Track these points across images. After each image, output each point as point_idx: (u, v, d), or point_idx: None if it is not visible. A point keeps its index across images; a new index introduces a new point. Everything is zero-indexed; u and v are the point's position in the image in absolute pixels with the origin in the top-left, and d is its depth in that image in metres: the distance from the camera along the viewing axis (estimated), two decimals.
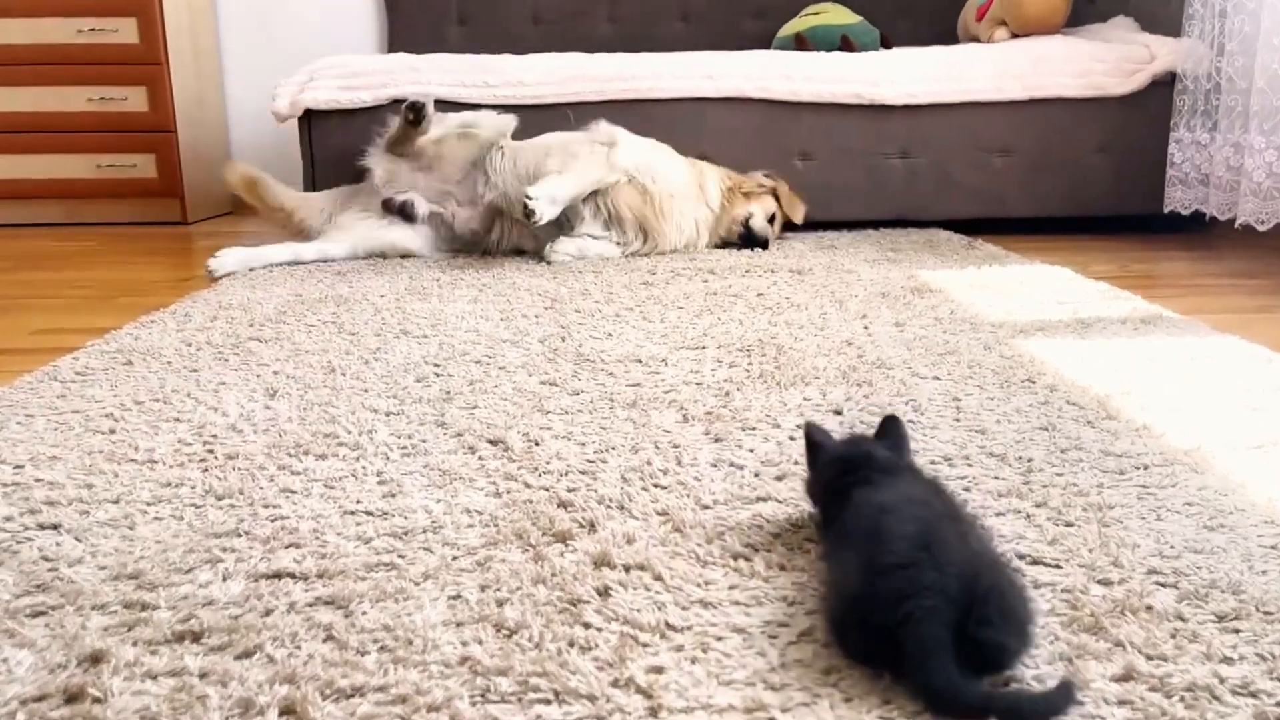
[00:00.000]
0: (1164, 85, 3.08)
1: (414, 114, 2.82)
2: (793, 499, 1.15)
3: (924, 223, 3.29)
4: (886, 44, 3.85)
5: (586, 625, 0.88)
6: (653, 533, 1.06)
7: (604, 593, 0.93)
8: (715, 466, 1.25)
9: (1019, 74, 3.15)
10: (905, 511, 0.85)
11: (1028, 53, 3.20)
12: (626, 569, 0.98)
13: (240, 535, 1.08)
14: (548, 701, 0.77)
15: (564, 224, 2.79)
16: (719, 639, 0.86)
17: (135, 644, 0.86)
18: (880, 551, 0.81)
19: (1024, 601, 0.80)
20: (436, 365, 1.74)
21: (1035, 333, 1.89)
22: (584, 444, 1.34)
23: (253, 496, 1.18)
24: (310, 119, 3.22)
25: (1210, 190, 2.82)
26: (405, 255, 2.86)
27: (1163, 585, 0.93)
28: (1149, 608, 0.89)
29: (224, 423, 1.45)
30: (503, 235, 2.88)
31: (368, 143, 3.16)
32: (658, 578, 0.96)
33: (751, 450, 1.31)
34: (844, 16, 3.91)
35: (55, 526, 1.11)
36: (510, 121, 2.94)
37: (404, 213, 2.88)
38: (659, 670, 0.81)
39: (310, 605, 0.93)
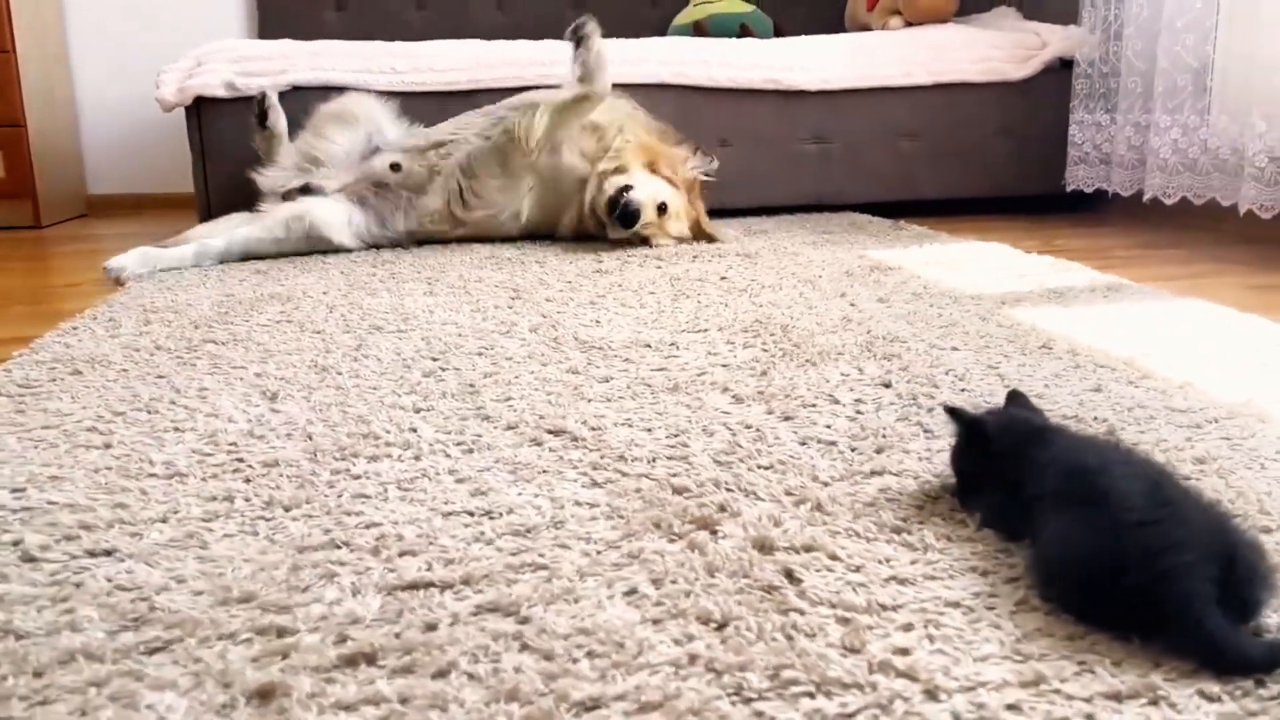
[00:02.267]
0: (1063, 69, 3.23)
1: (259, 109, 2.73)
2: (908, 471, 1.12)
3: (838, 206, 3.35)
4: (780, 32, 3.90)
5: (800, 612, 0.81)
6: (793, 513, 1.01)
7: (791, 577, 0.87)
8: (804, 445, 1.21)
9: (924, 60, 3.24)
10: (1119, 470, 0.83)
11: (930, 40, 3.30)
12: (796, 551, 0.92)
13: (339, 547, 0.96)
14: (811, 694, 0.71)
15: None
16: (940, 614, 0.81)
17: (302, 672, 0.74)
18: (1115, 510, 0.78)
19: (1263, 553, 0.79)
20: (435, 359, 1.62)
21: (1017, 303, 1.94)
22: (650, 429, 1.27)
23: (327, 504, 1.05)
24: (200, 108, 2.97)
25: (1112, 168, 2.98)
26: (329, 243, 2.66)
27: None
28: None
29: (236, 429, 1.30)
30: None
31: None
32: (834, 557, 0.91)
33: (829, 426, 1.27)
34: (737, 5, 3.94)
35: (109, 553, 0.95)
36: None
37: (307, 192, 2.69)
38: (905, 651, 0.76)
39: (475, 615, 0.83)
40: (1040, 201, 3.42)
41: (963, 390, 1.40)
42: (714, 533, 0.97)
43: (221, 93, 2.91)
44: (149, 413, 1.37)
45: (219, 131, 2.97)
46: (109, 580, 0.90)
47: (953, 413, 1.01)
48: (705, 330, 1.78)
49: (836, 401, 1.37)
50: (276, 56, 2.96)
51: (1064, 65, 3.24)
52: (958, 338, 1.68)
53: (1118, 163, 2.95)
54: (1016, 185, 3.34)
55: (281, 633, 0.80)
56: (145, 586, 0.88)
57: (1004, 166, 3.32)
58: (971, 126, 3.29)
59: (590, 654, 0.76)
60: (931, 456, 1.16)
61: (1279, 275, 2.31)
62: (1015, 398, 1.06)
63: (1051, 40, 3.25)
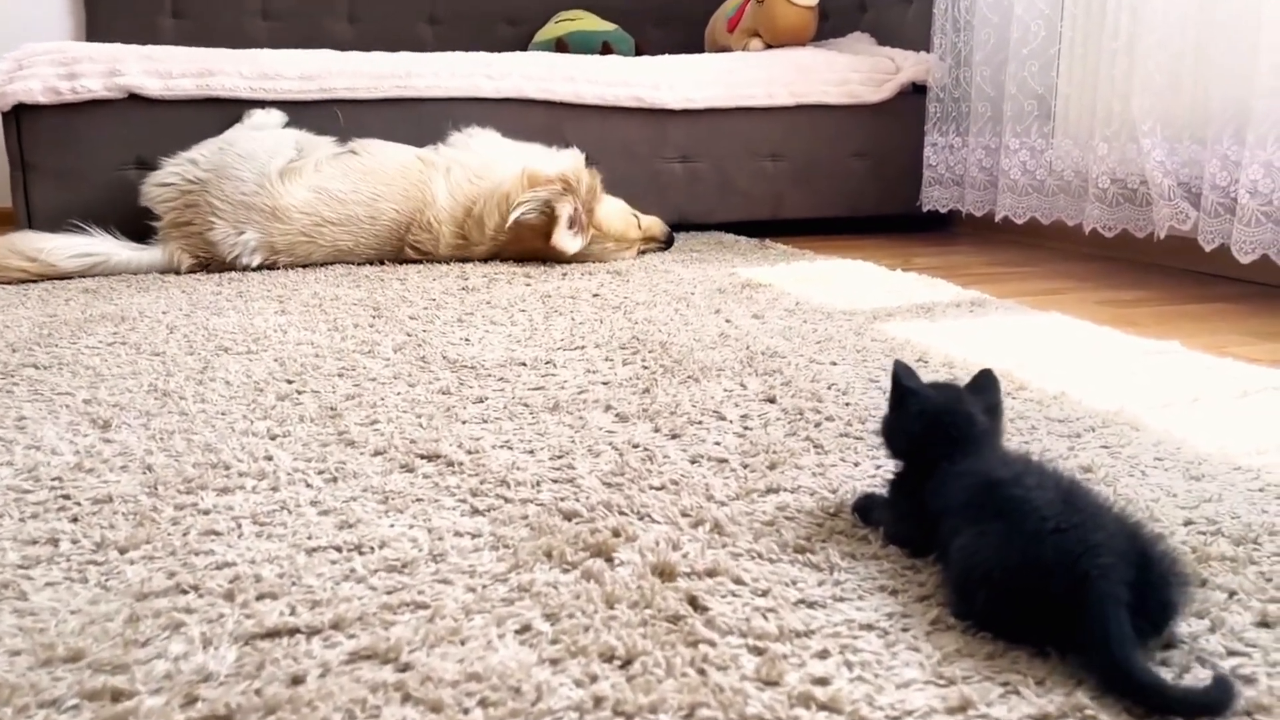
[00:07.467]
0: (918, 93, 3.32)
1: None
2: (803, 487, 1.07)
3: (706, 225, 3.34)
4: (640, 51, 3.89)
5: (710, 643, 0.75)
6: (691, 535, 0.95)
7: (696, 605, 0.81)
8: (695, 463, 1.15)
9: (787, 81, 3.28)
10: (1030, 480, 0.80)
11: (793, 62, 3.34)
12: (699, 576, 0.86)
13: (185, 592, 0.84)
14: None
15: None
16: (854, 638, 0.77)
17: None
18: (1031, 519, 0.76)
19: (1177, 556, 0.77)
20: (290, 381, 1.50)
21: (888, 318, 1.95)
22: (532, 451, 1.20)
23: (170, 544, 0.93)
24: (19, 114, 2.72)
25: (965, 189, 3.07)
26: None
27: (1208, 533, 0.95)
28: (1223, 557, 0.90)
29: (61, 462, 1.15)
30: None
31: (96, 142, 2.74)
32: (739, 581, 0.85)
33: (718, 443, 1.22)
34: (598, 24, 3.91)
35: None
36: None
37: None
38: (824, 681, 0.71)
39: (348, 663, 0.73)
40: (897, 221, 3.50)
41: (847, 404, 1.38)
42: (610, 560, 0.90)
43: (44, 99, 2.67)
44: None
45: (43, 140, 2.73)
46: None
47: (896, 373, 0.96)
48: (582, 347, 1.71)
49: (723, 418, 1.32)
50: (107, 59, 2.74)
51: (917, 90, 3.33)
52: (835, 352, 1.67)
53: (970, 184, 3.05)
54: (875, 205, 3.41)
55: (117, 696, 0.69)
56: None
57: (863, 187, 3.39)
58: (832, 147, 3.34)
59: (483, 702, 0.68)
60: (825, 471, 1.12)
61: (1122, 291, 2.40)
62: (982, 380, 0.99)
63: (904, 66, 3.34)
